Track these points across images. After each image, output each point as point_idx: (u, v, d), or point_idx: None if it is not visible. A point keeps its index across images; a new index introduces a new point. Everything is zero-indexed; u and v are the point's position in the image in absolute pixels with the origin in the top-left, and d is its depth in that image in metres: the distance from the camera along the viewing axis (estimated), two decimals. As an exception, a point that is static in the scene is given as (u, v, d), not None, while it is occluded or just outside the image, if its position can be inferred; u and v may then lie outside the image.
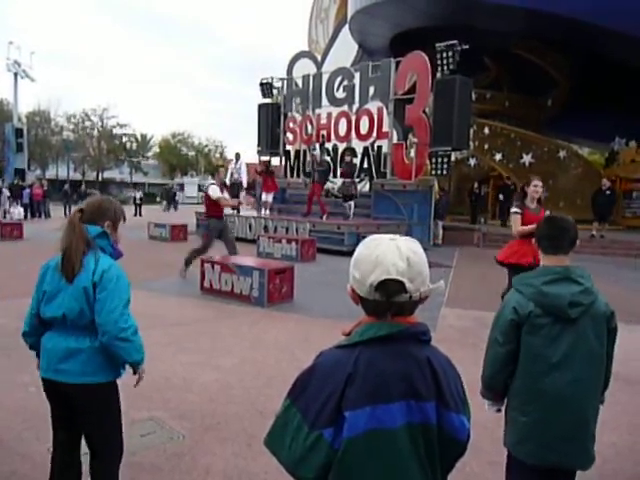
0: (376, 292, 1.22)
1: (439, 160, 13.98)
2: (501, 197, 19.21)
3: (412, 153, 15.17)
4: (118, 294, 2.22)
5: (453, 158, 16.30)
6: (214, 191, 8.74)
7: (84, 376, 2.21)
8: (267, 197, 16.29)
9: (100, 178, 48.19)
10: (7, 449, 3.11)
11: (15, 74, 25.49)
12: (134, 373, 2.40)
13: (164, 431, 3.40)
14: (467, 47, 13.32)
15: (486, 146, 19.38)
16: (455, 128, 13.30)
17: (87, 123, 47.49)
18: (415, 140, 14.73)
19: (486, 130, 19.18)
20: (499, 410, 2.26)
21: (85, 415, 2.30)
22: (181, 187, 55.64)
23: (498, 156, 19.04)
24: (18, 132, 24.14)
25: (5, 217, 20.26)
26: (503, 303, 2.16)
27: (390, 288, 1.21)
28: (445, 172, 14.23)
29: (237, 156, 16.41)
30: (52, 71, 71.09)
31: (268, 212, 16.17)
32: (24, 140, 24.63)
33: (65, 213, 26.17)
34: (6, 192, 22.24)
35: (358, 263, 1.27)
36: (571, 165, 19.18)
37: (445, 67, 13.64)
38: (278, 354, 5.05)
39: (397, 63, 15.21)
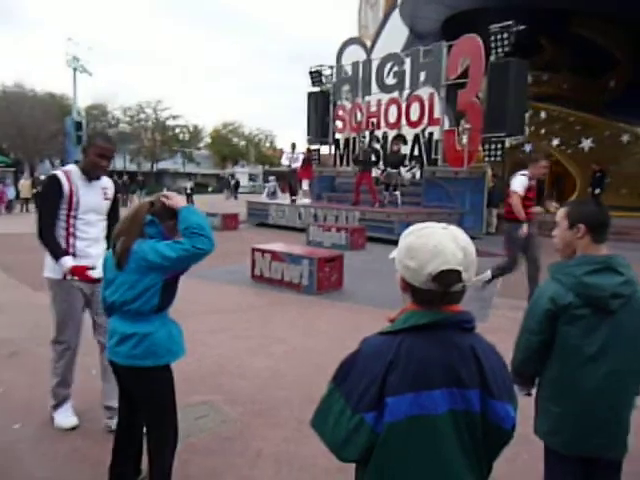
0: (433, 282, 1.21)
1: (492, 146, 13.58)
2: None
3: (464, 140, 14.81)
4: (164, 245, 2.26)
5: (507, 144, 15.79)
6: (519, 184, 6.29)
7: (133, 359, 2.30)
8: (305, 185, 16.48)
9: (155, 169, 49.55)
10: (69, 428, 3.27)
11: (74, 69, 26.43)
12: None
13: (217, 415, 3.49)
14: (523, 28, 12.82)
15: (543, 131, 18.70)
16: (509, 113, 12.88)
17: (142, 115, 48.79)
18: (467, 126, 14.35)
19: (543, 114, 18.50)
20: (529, 394, 2.22)
21: (137, 396, 2.42)
22: (232, 177, 56.68)
23: (555, 141, 18.35)
24: (77, 125, 25.02)
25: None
26: (538, 292, 2.09)
27: (449, 278, 1.21)
28: (499, 159, 13.81)
29: (293, 146, 16.63)
30: (109, 65, 73.51)
31: (308, 201, 16.28)
32: (83, 133, 25.51)
33: (122, 202, 27.18)
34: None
35: (413, 252, 1.25)
36: (635, 149, 18.23)
37: (499, 49, 13.18)
38: (328, 342, 5.07)
39: (449, 47, 14.85)
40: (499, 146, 13.54)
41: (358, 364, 1.26)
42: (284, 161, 17.22)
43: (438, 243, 1.22)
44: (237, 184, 39.86)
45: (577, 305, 1.94)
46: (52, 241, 3.03)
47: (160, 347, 2.34)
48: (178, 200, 2.41)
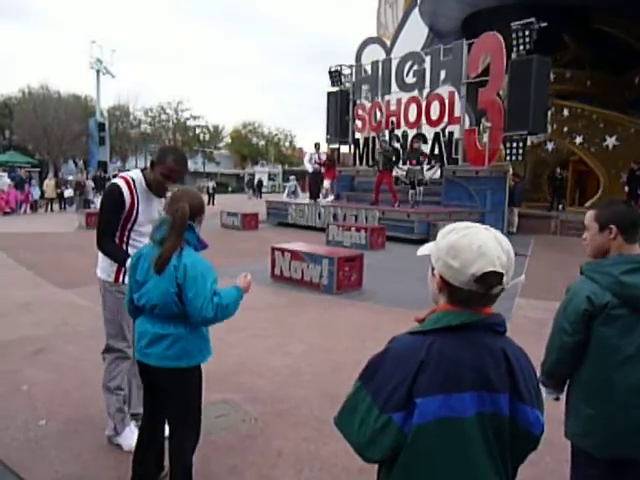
0: (475, 283, 1.20)
1: (514, 145, 13.43)
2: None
3: (485, 138, 14.67)
4: (202, 286, 2.30)
5: (529, 142, 15.57)
6: None
7: (167, 360, 2.35)
8: (328, 184, 16.48)
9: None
10: (95, 424, 3.32)
11: (97, 71, 26.83)
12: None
13: (238, 413, 3.51)
14: (545, 25, 12.65)
15: (565, 129, 18.36)
16: (532, 111, 12.72)
17: (163, 116, 49.36)
18: (488, 125, 14.21)
19: (565, 112, 18.16)
20: (557, 399, 2.18)
21: (166, 396, 2.46)
22: (252, 176, 56.94)
23: (579, 139, 17.99)
24: (100, 126, 25.47)
25: (90, 207, 21.47)
26: (573, 291, 2.04)
27: (491, 280, 1.19)
28: (520, 157, 13.65)
29: (317, 146, 16.69)
30: (130, 67, 74.37)
31: (331, 198, 16.30)
32: (106, 134, 25.98)
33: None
34: (90, 183, 23.57)
35: (456, 251, 1.22)
36: (662, 148, 17.82)
37: (521, 47, 13.04)
38: (347, 342, 5.08)
39: (469, 45, 14.72)
40: (521, 144, 13.39)
41: (387, 363, 1.25)
42: (307, 163, 17.18)
43: (483, 244, 1.20)
44: (260, 183, 40.23)
45: (614, 305, 1.91)
46: (113, 250, 2.99)
47: (193, 348, 2.39)
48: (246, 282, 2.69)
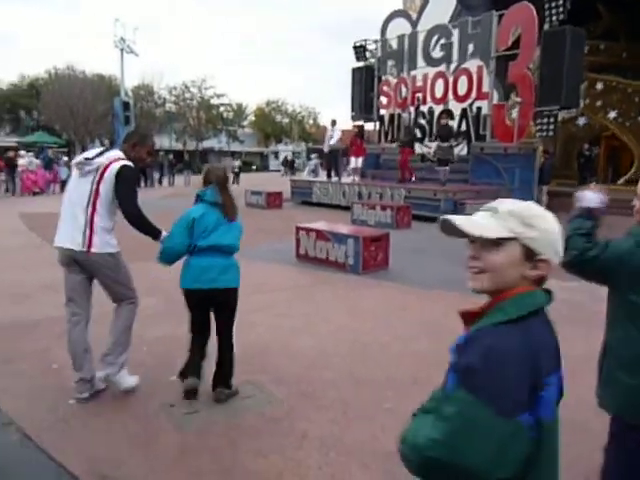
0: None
1: (545, 120, 13.02)
2: None
3: (514, 114, 14.23)
4: None
5: (560, 117, 15.07)
6: None
7: (233, 282, 3.42)
8: (357, 162, 16.17)
9: (200, 148, 50.22)
10: (121, 404, 3.34)
11: (121, 50, 26.80)
12: None
13: (263, 395, 3.49)
14: (580, -6, 12.14)
15: (599, 103, 17.73)
16: (564, 85, 12.25)
17: (187, 95, 49.32)
18: (518, 100, 13.79)
19: (599, 85, 17.52)
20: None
21: (227, 309, 3.46)
22: (275, 154, 56.82)
23: (612, 114, 17.37)
24: (125, 105, 25.49)
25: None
26: (618, 241, 1.99)
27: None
28: (551, 133, 13.24)
29: (333, 122, 16.27)
30: (154, 45, 74.30)
31: (357, 178, 16.08)
32: (131, 113, 25.99)
33: (169, 181, 27.67)
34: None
35: (546, 223, 1.20)
36: (699, 121, 17.10)
37: (554, 17, 12.55)
38: (374, 322, 5.01)
39: (499, 17, 14.22)
40: (552, 120, 12.97)
41: (494, 364, 1.08)
42: (326, 142, 16.79)
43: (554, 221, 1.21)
44: (293, 162, 41.12)
45: None
46: (149, 221, 3.46)
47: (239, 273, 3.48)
48: None
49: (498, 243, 1.17)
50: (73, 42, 77.01)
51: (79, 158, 3.45)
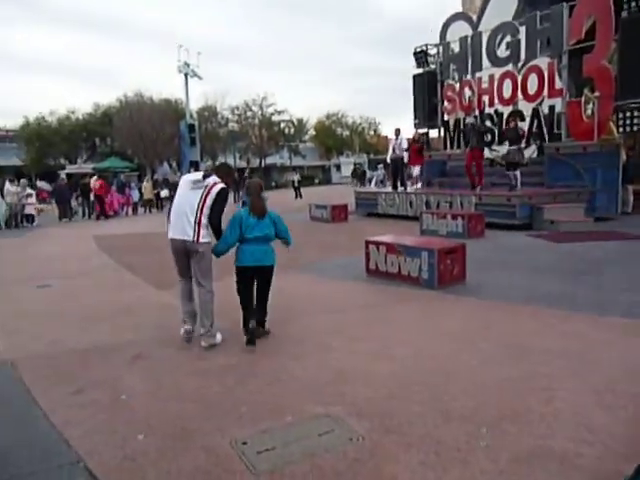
0: None
1: (627, 115, 12.10)
2: None
3: (589, 110, 13.32)
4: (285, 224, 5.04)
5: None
6: None
7: (272, 261, 4.87)
8: (414, 171, 15.68)
9: (263, 164, 51.00)
10: (192, 441, 3.11)
11: (185, 74, 27.60)
12: (287, 245, 5.14)
13: (342, 430, 3.16)
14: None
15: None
16: (649, 74, 11.32)
17: (249, 113, 50.34)
18: (596, 94, 12.88)
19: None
20: None
21: (268, 282, 4.94)
22: (337, 167, 56.79)
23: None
24: (191, 128, 26.21)
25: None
26: None
27: None
28: (636, 128, 12.24)
29: (397, 132, 15.74)
30: (216, 67, 76.53)
31: (416, 186, 15.55)
32: (196, 134, 26.69)
33: (234, 199, 28.12)
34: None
35: None
36: None
37: (632, 3, 11.67)
38: (457, 344, 4.58)
39: (570, 8, 13.40)
40: (635, 114, 12.02)
41: None
42: (390, 151, 16.21)
43: None
44: (364, 173, 40.74)
45: None
46: (221, 228, 4.88)
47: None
48: None
49: None
50: (141, 70, 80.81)
51: (191, 178, 4.94)
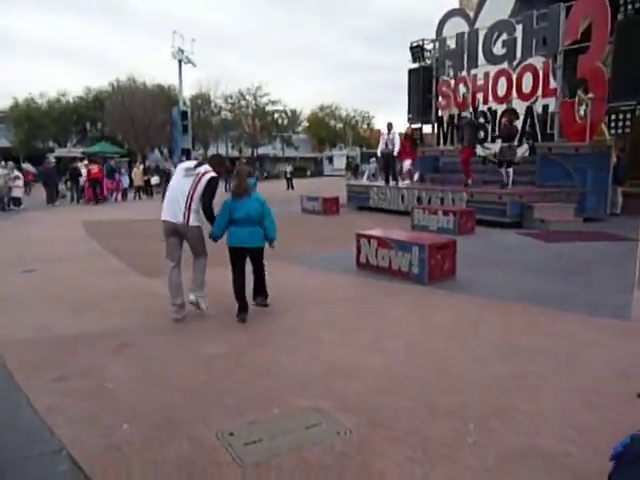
0: None
1: (619, 117, 12.13)
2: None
3: (582, 111, 13.36)
4: (270, 212, 5.24)
5: (637, 113, 14.02)
6: None
7: (259, 242, 5.18)
8: (406, 165, 15.65)
9: (255, 154, 50.74)
10: (178, 432, 3.07)
11: (179, 61, 27.30)
12: (270, 245, 5.31)
13: (330, 424, 3.14)
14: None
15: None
16: (642, 78, 11.35)
17: (242, 102, 49.98)
18: (589, 95, 12.91)
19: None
20: None
21: (258, 260, 5.28)
22: (330, 159, 56.67)
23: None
24: (184, 115, 26.01)
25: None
26: None
27: None
28: (628, 130, 12.30)
29: (389, 126, 15.61)
30: (210, 54, 75.85)
31: (408, 181, 15.55)
32: (189, 122, 26.50)
33: (225, 188, 27.94)
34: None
35: None
36: None
37: (629, 6, 11.67)
38: (447, 340, 4.58)
39: (567, 8, 13.40)
40: (628, 116, 12.06)
41: None
42: (381, 145, 16.08)
43: None
44: (357, 166, 41.07)
45: None
46: (213, 213, 5.20)
47: (263, 237, 5.20)
48: None
49: None
50: (135, 55, 79.89)
51: (184, 166, 5.31)
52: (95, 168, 21.23)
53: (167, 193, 5.31)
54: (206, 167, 5.17)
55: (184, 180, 5.11)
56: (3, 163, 19.56)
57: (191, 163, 5.35)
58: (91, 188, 21.18)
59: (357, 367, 3.99)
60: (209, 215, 5.15)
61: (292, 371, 3.93)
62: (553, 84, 14.25)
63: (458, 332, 4.77)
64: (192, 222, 5.04)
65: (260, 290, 5.45)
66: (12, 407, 3.44)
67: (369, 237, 7.32)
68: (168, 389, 3.64)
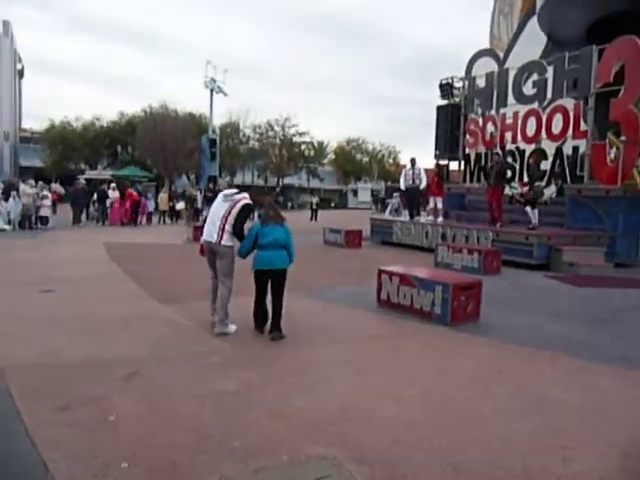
0: None
1: (652, 161, 11.83)
2: None
3: (612, 154, 13.08)
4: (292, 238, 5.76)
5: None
6: None
7: (285, 264, 5.62)
8: (436, 202, 15.45)
9: (280, 184, 51.10)
10: (176, 474, 2.88)
11: (211, 90, 27.90)
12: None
13: (341, 477, 2.91)
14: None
15: None
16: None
17: (270, 133, 50.62)
18: (622, 138, 12.64)
19: None
20: None
21: (281, 285, 5.60)
22: (354, 192, 56.79)
23: None
24: (212, 142, 26.46)
25: (199, 217, 22.14)
26: None
27: None
28: (661, 174, 11.97)
29: (412, 161, 15.52)
30: (241, 85, 77.55)
31: (433, 218, 15.34)
32: (217, 150, 26.90)
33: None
34: (201, 196, 24.44)
35: None
36: None
37: (665, 51, 11.49)
38: (469, 388, 4.32)
39: (600, 51, 13.28)
40: (662, 161, 11.76)
41: None
42: (402, 180, 15.96)
43: None
44: (383, 199, 41.04)
45: None
46: (243, 234, 5.74)
47: (288, 260, 5.68)
48: None
49: None
50: (168, 82, 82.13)
51: (225, 192, 5.97)
52: (134, 193, 22.41)
53: (208, 216, 6.00)
54: (244, 195, 5.84)
55: (222, 204, 5.78)
56: (33, 182, 19.93)
57: (231, 191, 6.01)
58: (132, 209, 22.07)
59: (371, 413, 3.75)
60: (239, 236, 5.72)
61: (304, 414, 3.71)
62: (584, 126, 14.03)
63: (481, 380, 4.51)
64: (224, 242, 5.63)
65: (276, 320, 5.60)
66: (9, 437, 3.29)
67: (391, 274, 7.11)
68: (173, 427, 3.45)
